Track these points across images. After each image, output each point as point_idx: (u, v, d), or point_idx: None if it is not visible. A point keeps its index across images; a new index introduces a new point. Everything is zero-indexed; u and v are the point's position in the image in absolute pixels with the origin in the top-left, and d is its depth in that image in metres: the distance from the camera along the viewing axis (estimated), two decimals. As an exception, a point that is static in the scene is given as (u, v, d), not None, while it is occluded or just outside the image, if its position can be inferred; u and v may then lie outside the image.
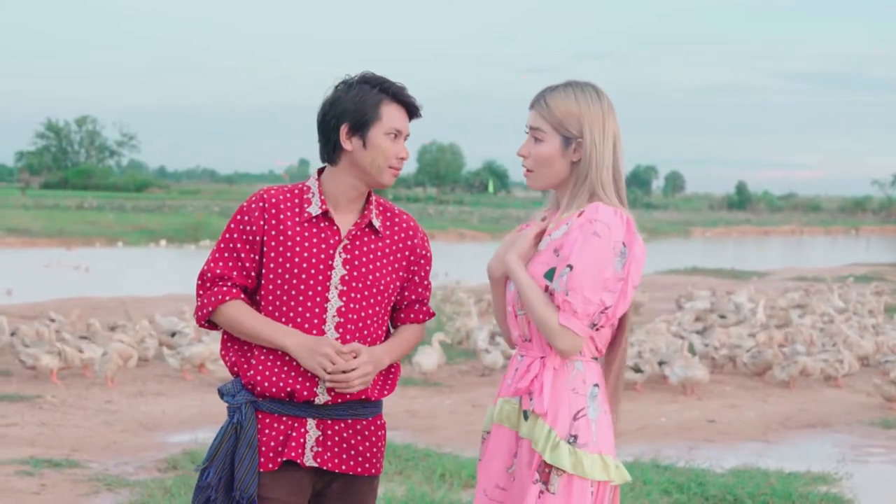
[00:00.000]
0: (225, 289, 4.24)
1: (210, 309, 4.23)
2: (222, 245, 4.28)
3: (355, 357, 4.17)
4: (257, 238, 4.24)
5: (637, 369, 13.96)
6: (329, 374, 4.12)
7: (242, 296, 4.27)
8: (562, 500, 3.98)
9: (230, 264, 4.25)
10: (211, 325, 4.32)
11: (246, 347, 4.27)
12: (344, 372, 4.13)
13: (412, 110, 4.35)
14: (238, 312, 4.22)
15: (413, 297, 4.48)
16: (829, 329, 18.20)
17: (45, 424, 11.43)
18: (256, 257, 4.25)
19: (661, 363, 14.21)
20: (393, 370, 4.41)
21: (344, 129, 4.25)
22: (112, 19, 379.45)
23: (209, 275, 4.26)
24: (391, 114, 4.27)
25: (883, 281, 32.98)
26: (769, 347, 15.62)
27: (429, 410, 12.81)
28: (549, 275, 4.04)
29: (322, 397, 4.20)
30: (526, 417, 4.06)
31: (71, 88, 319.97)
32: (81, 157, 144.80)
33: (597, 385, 4.10)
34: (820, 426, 12.53)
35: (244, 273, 4.25)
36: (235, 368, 4.29)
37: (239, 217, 4.28)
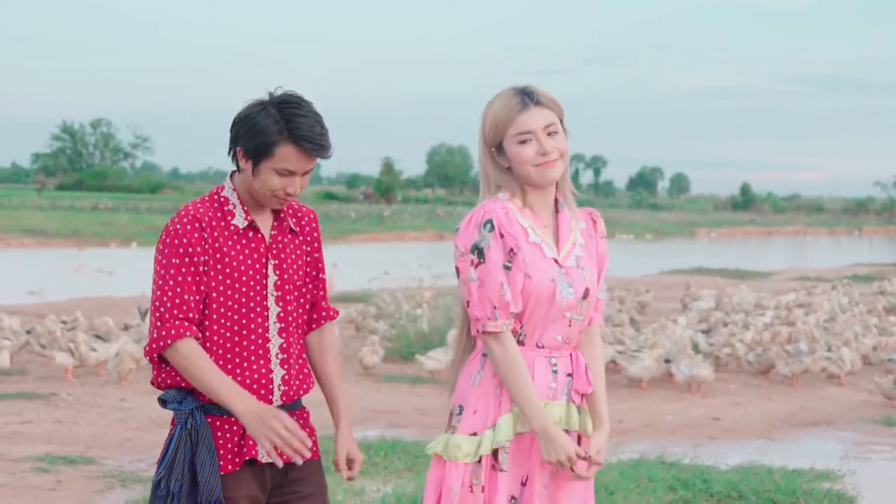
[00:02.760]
0: (186, 323, 4.08)
1: (169, 341, 4.03)
2: (169, 273, 4.14)
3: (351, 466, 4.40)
4: (200, 259, 4.15)
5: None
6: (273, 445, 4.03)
7: (198, 335, 4.13)
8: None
9: (179, 290, 4.12)
10: (159, 359, 4.13)
11: None
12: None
13: (317, 156, 4.20)
14: (194, 352, 4.06)
15: (323, 293, 4.52)
16: (832, 328, 18.33)
17: (61, 422, 11.57)
18: (202, 280, 4.16)
19: (666, 361, 14.34)
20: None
21: (240, 151, 4.20)
22: (126, 23, 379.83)
23: (168, 304, 4.10)
24: (285, 155, 4.12)
25: (886, 281, 33.03)
26: (773, 346, 15.76)
27: (438, 409, 12.81)
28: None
29: (276, 403, 4.22)
30: (579, 412, 4.25)
31: (86, 91, 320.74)
32: (96, 159, 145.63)
33: None
34: (823, 424, 12.62)
35: (195, 301, 4.13)
36: (179, 379, 4.19)
37: (177, 242, 4.15)
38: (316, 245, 4.48)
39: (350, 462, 4.43)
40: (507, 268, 4.12)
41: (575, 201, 4.31)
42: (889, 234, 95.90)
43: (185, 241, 4.14)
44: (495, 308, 4.10)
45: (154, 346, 4.08)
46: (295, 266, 4.35)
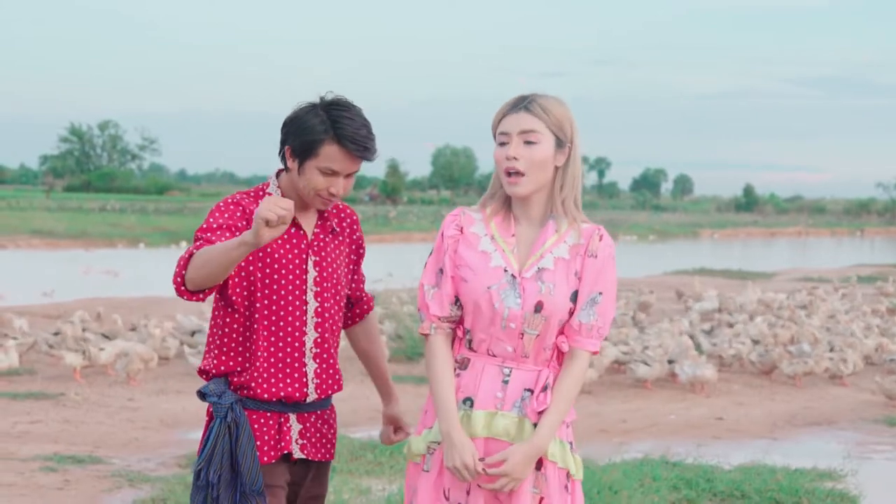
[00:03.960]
0: (203, 243, 4.11)
1: (185, 258, 4.05)
2: (207, 223, 4.23)
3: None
4: (234, 231, 4.22)
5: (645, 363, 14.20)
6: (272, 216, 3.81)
7: None
8: (575, 501, 4.19)
9: (215, 226, 4.21)
10: (190, 293, 4.10)
11: (246, 354, 4.34)
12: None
13: (360, 157, 4.31)
14: (204, 249, 4.03)
15: (360, 291, 4.74)
16: (834, 328, 18.40)
17: (69, 421, 11.63)
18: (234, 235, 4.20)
19: (670, 362, 14.41)
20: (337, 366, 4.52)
21: (288, 150, 4.34)
22: (133, 26, 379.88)
23: (199, 235, 4.18)
24: (330, 154, 4.25)
25: (887, 282, 33.08)
26: (776, 346, 15.82)
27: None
28: (573, 297, 4.13)
29: (312, 396, 4.39)
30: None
31: (93, 93, 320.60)
32: (104, 160, 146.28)
33: None
34: (825, 424, 12.69)
35: (227, 237, 4.16)
36: (223, 368, 4.35)
37: (217, 214, 4.28)
38: (354, 247, 4.63)
39: (399, 430, 4.80)
40: (441, 272, 4.21)
41: (577, 216, 4.19)
42: (891, 235, 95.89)
43: (226, 214, 4.28)
44: (420, 310, 4.24)
45: (179, 269, 4.03)
46: (335, 264, 4.47)
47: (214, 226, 4.21)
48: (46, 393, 13.04)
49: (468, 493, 4.09)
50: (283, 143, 4.36)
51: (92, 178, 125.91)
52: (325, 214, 4.46)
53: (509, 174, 4.14)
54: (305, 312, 4.36)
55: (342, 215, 4.58)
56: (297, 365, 4.35)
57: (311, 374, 4.37)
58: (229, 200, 4.35)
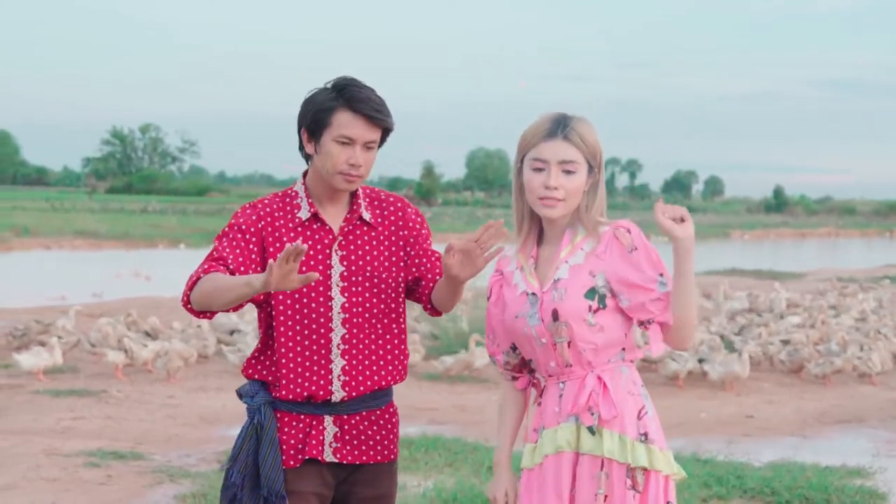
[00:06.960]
0: (214, 265, 4.15)
1: (197, 277, 4.10)
2: (218, 242, 4.26)
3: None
4: (249, 237, 4.26)
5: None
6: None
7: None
8: (646, 496, 4.08)
9: (222, 249, 4.22)
10: (196, 312, 4.18)
11: (274, 357, 4.32)
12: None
13: (373, 120, 4.25)
14: (214, 276, 4.06)
15: (423, 268, 4.45)
16: (863, 327, 18.43)
17: (111, 418, 11.77)
18: (249, 249, 4.24)
19: (700, 360, 14.49)
20: (404, 357, 4.44)
21: (304, 133, 4.30)
22: (171, 33, 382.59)
23: (207, 259, 4.20)
24: (342, 120, 4.20)
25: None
26: (806, 345, 15.89)
27: (477, 406, 13.06)
28: (591, 294, 4.09)
29: (338, 395, 4.28)
30: (592, 433, 4.08)
31: (135, 97, 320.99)
32: (145, 163, 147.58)
33: (643, 385, 4.23)
34: (855, 422, 12.70)
35: (234, 258, 4.20)
36: (258, 368, 4.37)
37: (232, 221, 4.31)
38: (401, 233, 4.44)
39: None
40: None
41: (599, 226, 4.18)
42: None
43: (240, 220, 4.30)
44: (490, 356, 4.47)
45: (186, 289, 4.13)
46: (370, 257, 4.35)
47: (216, 255, 4.21)
48: (89, 390, 13.20)
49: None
50: (299, 129, 4.33)
51: (133, 179, 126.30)
52: (355, 206, 4.36)
53: (544, 199, 4.13)
54: (331, 308, 4.27)
55: (384, 205, 4.46)
56: (323, 362, 4.27)
57: (336, 372, 4.28)
58: (246, 206, 4.38)
